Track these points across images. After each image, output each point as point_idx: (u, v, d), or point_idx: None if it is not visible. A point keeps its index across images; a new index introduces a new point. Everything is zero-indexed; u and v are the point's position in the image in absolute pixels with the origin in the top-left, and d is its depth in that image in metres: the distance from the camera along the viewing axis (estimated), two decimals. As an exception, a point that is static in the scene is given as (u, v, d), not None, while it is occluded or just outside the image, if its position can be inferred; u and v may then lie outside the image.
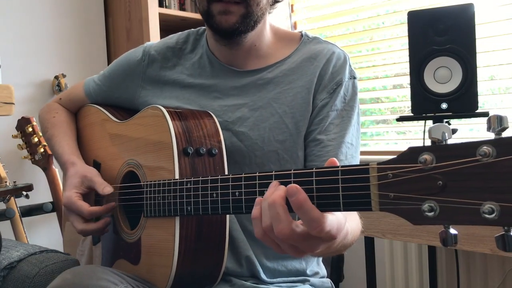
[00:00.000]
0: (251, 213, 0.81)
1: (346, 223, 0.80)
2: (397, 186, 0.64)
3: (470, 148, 0.57)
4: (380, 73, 2.68)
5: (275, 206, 0.75)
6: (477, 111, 1.84)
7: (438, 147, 0.60)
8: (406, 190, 0.63)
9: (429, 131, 0.61)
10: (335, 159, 0.78)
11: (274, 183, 0.80)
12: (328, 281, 1.33)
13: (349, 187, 0.70)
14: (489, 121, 0.57)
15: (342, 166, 0.72)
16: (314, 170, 0.75)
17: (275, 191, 0.77)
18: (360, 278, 2.43)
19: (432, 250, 2.30)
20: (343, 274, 2.02)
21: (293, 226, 0.74)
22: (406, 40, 2.10)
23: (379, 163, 0.66)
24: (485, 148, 0.56)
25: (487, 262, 2.18)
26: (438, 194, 0.60)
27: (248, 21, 1.15)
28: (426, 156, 0.60)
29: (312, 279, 1.27)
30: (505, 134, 0.56)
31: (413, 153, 0.62)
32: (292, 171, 0.78)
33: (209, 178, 0.96)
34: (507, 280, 2.12)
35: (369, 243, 2.03)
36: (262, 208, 0.78)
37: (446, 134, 0.60)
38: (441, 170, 0.59)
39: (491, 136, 0.57)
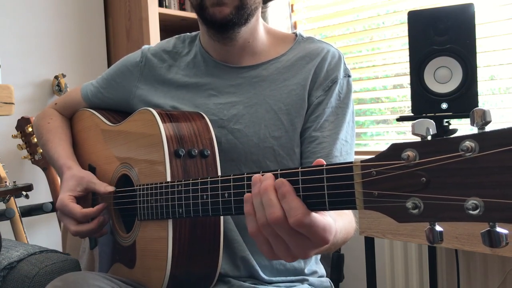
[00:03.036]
0: (244, 210, 0.81)
1: (336, 223, 0.80)
2: (381, 184, 0.63)
3: (453, 143, 0.56)
4: (380, 73, 2.67)
5: (267, 193, 0.76)
6: (477, 111, 1.83)
7: (421, 143, 0.59)
8: (390, 188, 0.62)
9: (412, 127, 0.60)
10: (321, 159, 0.77)
11: (256, 178, 0.80)
12: (327, 281, 1.32)
13: (334, 186, 0.70)
14: (472, 115, 0.56)
15: (326, 165, 0.72)
16: (300, 169, 0.75)
17: (264, 181, 0.78)
18: (360, 278, 2.43)
19: (432, 250, 2.29)
20: (343, 274, 2.01)
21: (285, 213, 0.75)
22: (406, 40, 2.09)
23: (362, 161, 0.66)
24: (467, 143, 0.55)
25: (487, 262, 2.17)
26: (422, 190, 0.59)
27: (242, 12, 1.15)
28: (409, 153, 0.59)
29: (310, 279, 1.27)
30: (488, 128, 0.56)
31: (396, 150, 0.62)
32: (279, 171, 0.78)
33: (199, 180, 0.95)
34: (507, 280, 2.11)
35: (369, 243, 2.02)
36: (255, 205, 0.78)
37: (430, 129, 0.59)
38: (424, 166, 0.58)
39: (474, 130, 0.56)
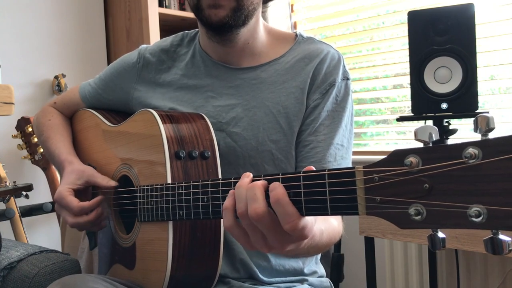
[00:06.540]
0: (224, 203, 0.81)
1: (315, 224, 0.81)
2: (384, 190, 0.63)
3: (456, 150, 0.56)
4: (380, 73, 2.67)
5: (254, 188, 0.77)
6: (477, 111, 1.84)
7: (424, 149, 0.59)
8: (392, 194, 0.62)
9: (415, 133, 0.59)
10: (311, 166, 0.78)
11: (247, 173, 0.81)
12: (327, 281, 1.32)
13: (336, 191, 0.70)
14: (476, 122, 0.56)
15: (329, 170, 0.71)
16: (301, 174, 0.75)
17: (256, 181, 0.78)
18: (360, 278, 2.43)
19: (432, 250, 2.29)
20: (343, 274, 2.01)
21: (268, 209, 0.76)
22: (406, 40, 2.10)
23: (365, 166, 0.65)
24: (471, 150, 0.55)
25: (487, 262, 2.17)
26: (425, 197, 0.59)
27: (238, 14, 1.14)
28: (412, 159, 0.59)
29: (310, 279, 1.27)
30: (491, 135, 0.55)
31: (398, 156, 0.61)
32: (280, 175, 0.77)
33: (199, 182, 0.95)
34: (507, 280, 2.11)
35: (369, 243, 2.02)
36: (236, 195, 0.79)
37: (433, 135, 0.59)
38: (427, 172, 0.58)
39: (477, 137, 0.56)
